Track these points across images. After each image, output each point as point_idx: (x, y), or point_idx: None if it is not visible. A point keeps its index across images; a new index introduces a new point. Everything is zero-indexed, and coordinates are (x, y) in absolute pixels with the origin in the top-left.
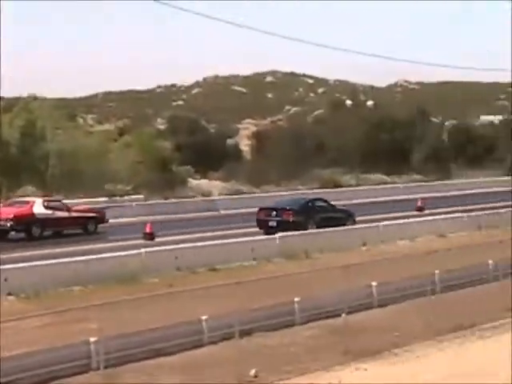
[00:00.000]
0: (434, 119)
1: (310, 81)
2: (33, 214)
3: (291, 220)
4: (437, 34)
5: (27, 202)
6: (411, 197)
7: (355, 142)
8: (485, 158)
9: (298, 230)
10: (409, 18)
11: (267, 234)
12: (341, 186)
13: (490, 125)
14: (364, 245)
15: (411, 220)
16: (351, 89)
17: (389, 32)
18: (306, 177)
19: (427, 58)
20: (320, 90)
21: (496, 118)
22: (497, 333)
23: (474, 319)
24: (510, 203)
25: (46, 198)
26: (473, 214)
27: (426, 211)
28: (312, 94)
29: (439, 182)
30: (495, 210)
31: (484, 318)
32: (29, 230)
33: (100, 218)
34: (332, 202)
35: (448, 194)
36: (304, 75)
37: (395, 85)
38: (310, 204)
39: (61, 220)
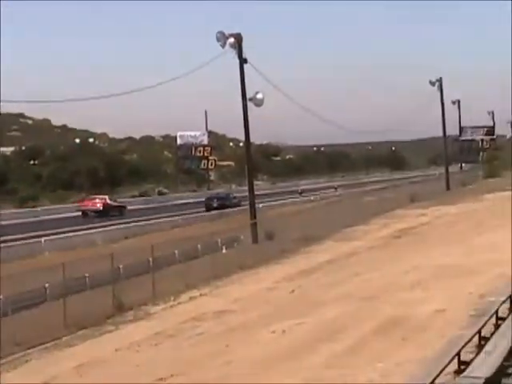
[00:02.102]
0: None
1: None
2: (108, 204)
3: (225, 203)
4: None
5: (103, 198)
6: None
7: None
8: None
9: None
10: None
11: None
12: None
13: (3, 156)
14: None
15: None
16: None
17: None
18: None
19: None
20: None
21: (8, 150)
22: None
23: None
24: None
25: (108, 196)
26: None
27: None
28: None
29: None
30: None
31: None
32: (106, 213)
33: (124, 207)
34: None
35: None
36: None
37: None
38: (228, 195)
39: (114, 207)
